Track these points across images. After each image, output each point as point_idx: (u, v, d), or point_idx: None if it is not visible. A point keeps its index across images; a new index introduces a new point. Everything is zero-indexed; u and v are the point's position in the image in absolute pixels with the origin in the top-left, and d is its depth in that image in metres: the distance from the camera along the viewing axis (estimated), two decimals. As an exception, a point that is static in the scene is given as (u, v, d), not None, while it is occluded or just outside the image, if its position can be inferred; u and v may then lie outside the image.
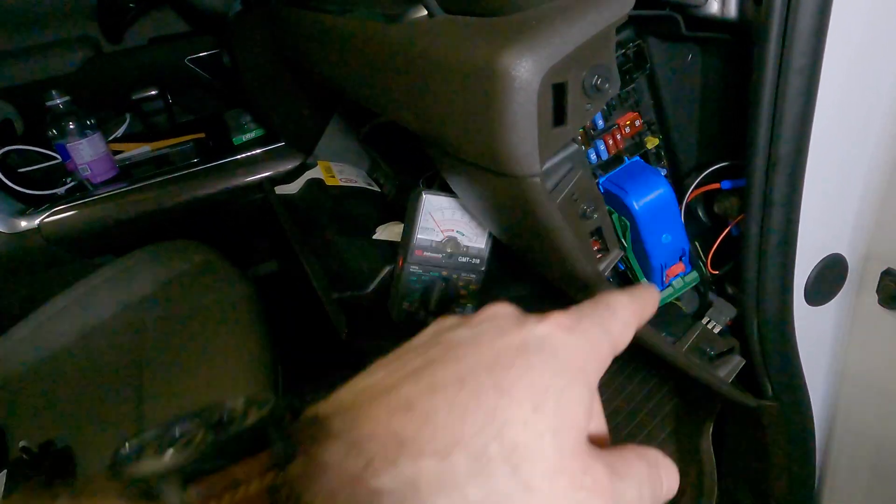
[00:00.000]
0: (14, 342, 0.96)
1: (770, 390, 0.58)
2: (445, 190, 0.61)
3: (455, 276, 0.62)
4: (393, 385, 0.20)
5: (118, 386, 0.85)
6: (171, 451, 0.18)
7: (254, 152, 1.16)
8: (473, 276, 0.63)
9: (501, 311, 0.24)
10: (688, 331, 0.54)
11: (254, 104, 1.24)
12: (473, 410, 0.19)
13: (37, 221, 1.06)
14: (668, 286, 0.55)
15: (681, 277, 0.55)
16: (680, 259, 0.54)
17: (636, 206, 0.49)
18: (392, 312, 0.63)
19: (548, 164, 0.39)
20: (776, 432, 0.62)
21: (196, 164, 1.16)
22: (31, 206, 1.08)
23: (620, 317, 0.24)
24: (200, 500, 0.17)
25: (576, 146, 0.40)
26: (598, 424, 0.25)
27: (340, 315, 0.60)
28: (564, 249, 0.43)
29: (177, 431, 0.19)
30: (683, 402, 1.09)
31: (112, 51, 1.44)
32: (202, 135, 1.32)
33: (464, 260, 0.62)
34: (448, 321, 0.24)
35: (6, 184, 1.08)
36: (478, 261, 0.63)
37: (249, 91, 1.20)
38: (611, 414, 1.18)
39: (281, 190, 0.96)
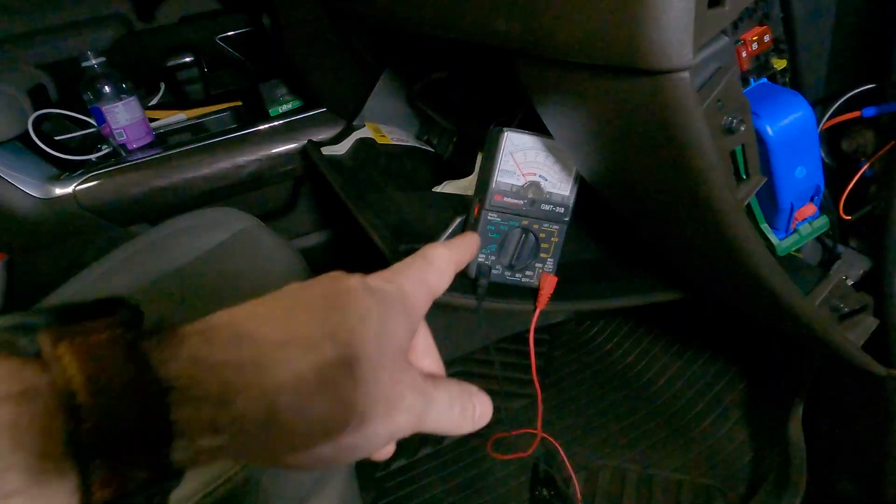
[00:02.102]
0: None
1: (904, 357, 0.51)
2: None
3: (536, 225, 0.56)
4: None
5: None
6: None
7: (295, 118, 1.11)
8: (556, 226, 0.56)
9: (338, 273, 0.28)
10: (820, 282, 0.46)
11: (294, 69, 1.19)
12: (308, 319, 0.23)
13: (71, 188, 1.01)
14: (793, 232, 0.48)
15: (808, 223, 0.48)
16: (811, 199, 0.47)
17: (770, 130, 0.41)
18: (465, 267, 0.56)
19: (697, 58, 0.32)
20: (904, 407, 0.54)
21: (234, 131, 1.11)
22: (66, 171, 1.04)
23: (437, 266, 0.30)
24: (51, 341, 0.18)
25: (726, 39, 0.33)
26: (434, 363, 0.30)
27: (411, 266, 0.54)
28: (701, 170, 0.36)
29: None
30: (757, 383, 1.01)
31: (144, 29, 1.42)
32: (239, 103, 1.27)
33: (546, 208, 0.55)
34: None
35: (40, 148, 1.04)
36: (562, 209, 0.56)
37: (290, 54, 1.14)
38: (667, 401, 1.11)
39: (328, 151, 0.90)
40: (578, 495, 0.91)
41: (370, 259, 0.61)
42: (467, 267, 0.56)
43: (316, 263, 1.14)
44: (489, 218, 0.54)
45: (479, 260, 0.55)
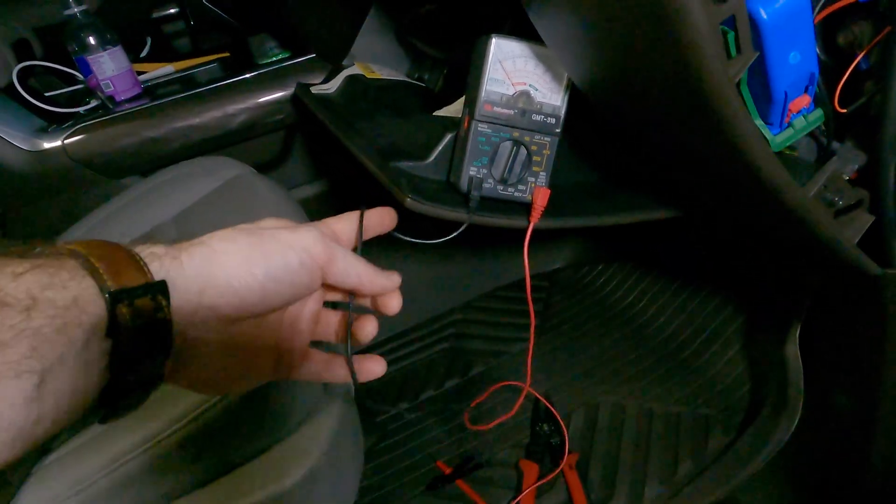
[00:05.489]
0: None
1: (900, 254, 0.51)
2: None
3: (528, 138, 0.55)
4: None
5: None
6: None
7: (284, 65, 1.09)
8: (548, 139, 0.55)
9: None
10: (815, 174, 0.46)
11: (281, 15, 1.16)
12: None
13: (60, 140, 1.00)
14: (787, 126, 0.47)
15: (803, 116, 0.47)
16: (805, 90, 0.46)
17: (764, 14, 0.40)
18: (456, 181, 0.56)
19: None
20: (900, 308, 0.54)
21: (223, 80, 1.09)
22: (54, 123, 1.02)
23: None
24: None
25: None
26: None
27: (400, 178, 0.53)
28: (689, 42, 0.35)
29: None
30: (756, 315, 1.01)
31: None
32: (227, 54, 1.25)
33: (538, 118, 0.54)
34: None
35: (27, 101, 1.03)
36: (553, 120, 0.55)
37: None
38: (666, 339, 1.11)
39: (317, 90, 0.88)
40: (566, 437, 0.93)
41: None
42: (458, 180, 0.55)
43: (311, 214, 1.14)
44: (480, 129, 0.54)
45: (471, 173, 0.55)
